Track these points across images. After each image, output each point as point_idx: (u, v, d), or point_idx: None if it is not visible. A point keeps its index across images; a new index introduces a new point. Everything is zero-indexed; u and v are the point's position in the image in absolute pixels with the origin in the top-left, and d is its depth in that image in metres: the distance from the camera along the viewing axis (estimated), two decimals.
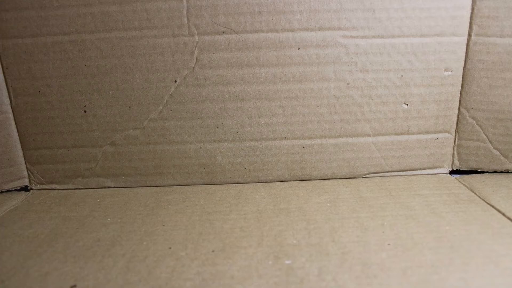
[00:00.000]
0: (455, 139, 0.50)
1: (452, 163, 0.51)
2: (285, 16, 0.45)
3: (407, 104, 0.48)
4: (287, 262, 0.33)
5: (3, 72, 0.46)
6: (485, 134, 0.49)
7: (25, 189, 0.51)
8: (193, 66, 0.46)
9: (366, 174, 0.50)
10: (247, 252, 0.35)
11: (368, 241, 0.36)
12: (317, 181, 0.50)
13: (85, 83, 0.47)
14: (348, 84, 0.47)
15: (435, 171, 0.51)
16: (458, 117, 0.49)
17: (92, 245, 0.37)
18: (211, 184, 0.50)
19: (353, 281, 0.30)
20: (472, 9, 0.45)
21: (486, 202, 0.43)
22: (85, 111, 0.48)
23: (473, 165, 0.50)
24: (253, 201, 0.45)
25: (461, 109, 0.48)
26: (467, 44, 0.46)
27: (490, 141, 0.49)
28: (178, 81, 0.47)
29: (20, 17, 0.45)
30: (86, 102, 0.47)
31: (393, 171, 0.50)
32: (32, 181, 0.51)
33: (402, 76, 0.47)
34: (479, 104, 0.48)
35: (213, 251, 0.35)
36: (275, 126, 0.48)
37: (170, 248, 0.36)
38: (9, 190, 0.50)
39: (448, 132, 0.49)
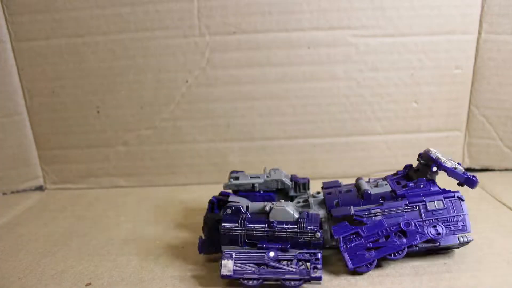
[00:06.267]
0: (465, 137, 0.50)
1: (463, 161, 0.50)
2: (295, 16, 0.45)
3: (417, 103, 0.48)
4: None
5: (18, 74, 0.47)
6: (496, 132, 0.49)
7: (40, 188, 0.51)
8: (204, 66, 0.47)
9: (376, 172, 0.50)
10: None
11: None
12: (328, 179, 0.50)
13: (98, 84, 0.47)
14: (358, 83, 0.47)
15: None
16: (468, 115, 0.49)
17: (106, 244, 0.37)
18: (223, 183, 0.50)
19: (365, 279, 0.30)
20: (482, 7, 0.45)
21: (497, 200, 0.43)
22: (98, 112, 0.48)
23: (484, 163, 0.50)
24: None
25: (472, 107, 0.48)
26: (477, 42, 0.46)
27: (500, 139, 0.49)
28: (189, 81, 0.47)
29: (35, 20, 0.45)
30: (99, 102, 0.48)
31: None
32: (47, 181, 0.51)
33: (412, 74, 0.47)
34: (489, 102, 0.48)
35: None
36: (286, 125, 0.49)
37: (183, 247, 0.36)
38: (24, 190, 0.51)
39: (459, 130, 0.49)
